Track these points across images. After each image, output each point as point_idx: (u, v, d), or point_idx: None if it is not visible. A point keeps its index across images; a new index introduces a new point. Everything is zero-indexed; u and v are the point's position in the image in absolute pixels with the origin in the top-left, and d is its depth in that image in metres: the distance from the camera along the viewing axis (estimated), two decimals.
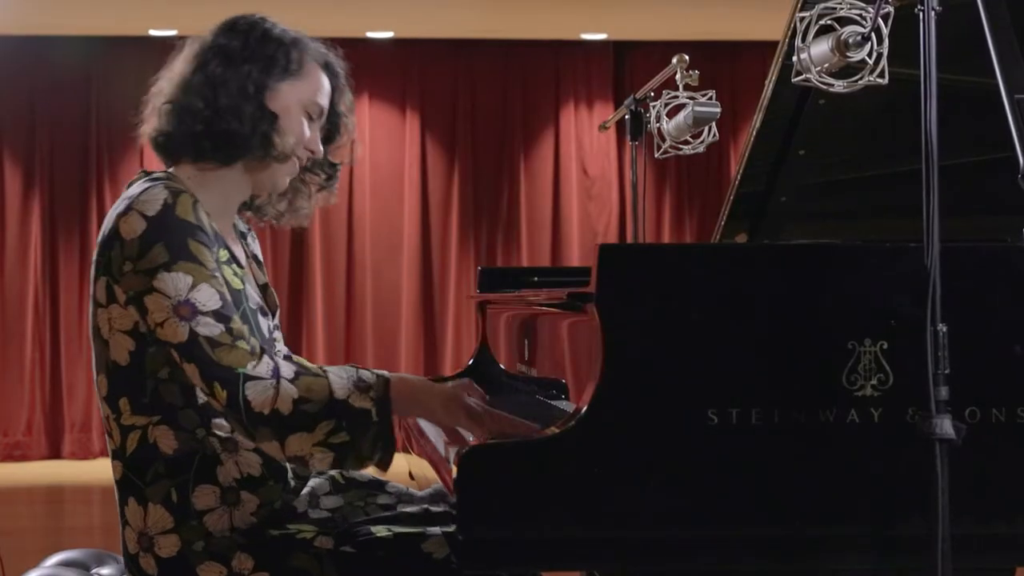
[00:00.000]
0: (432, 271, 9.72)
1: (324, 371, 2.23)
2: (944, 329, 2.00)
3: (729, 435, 2.14)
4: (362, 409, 2.19)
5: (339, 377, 2.21)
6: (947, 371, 2.00)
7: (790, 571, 2.21)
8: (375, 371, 2.26)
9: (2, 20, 8.78)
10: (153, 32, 9.06)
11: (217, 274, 2.23)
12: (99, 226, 8.74)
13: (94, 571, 2.75)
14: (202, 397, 2.25)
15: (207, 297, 2.20)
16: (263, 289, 2.50)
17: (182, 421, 2.28)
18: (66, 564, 2.76)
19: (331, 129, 2.51)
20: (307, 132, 2.42)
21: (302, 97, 2.40)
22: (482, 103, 9.79)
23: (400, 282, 9.64)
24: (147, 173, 2.38)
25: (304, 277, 9.59)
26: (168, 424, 2.28)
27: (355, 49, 9.91)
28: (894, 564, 2.19)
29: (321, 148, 2.47)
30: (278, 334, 2.49)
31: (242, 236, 2.54)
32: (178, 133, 2.36)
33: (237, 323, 2.21)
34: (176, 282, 2.19)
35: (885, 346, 2.17)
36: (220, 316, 2.20)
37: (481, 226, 9.75)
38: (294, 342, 9.53)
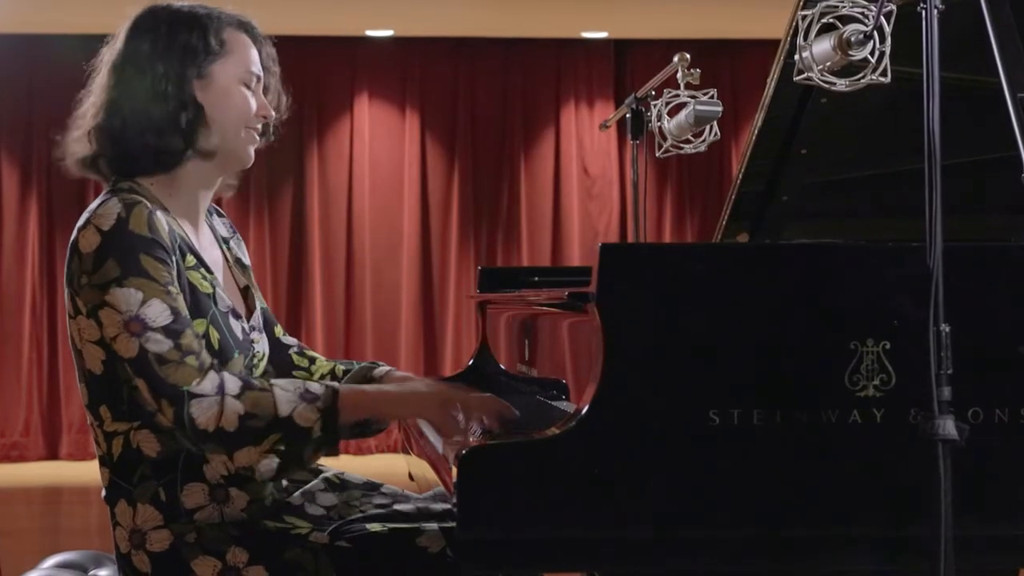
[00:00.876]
0: (432, 271, 9.72)
1: (271, 385, 2.24)
2: (947, 329, 2.00)
3: (730, 436, 2.14)
4: (304, 426, 2.22)
5: (285, 391, 2.23)
6: (950, 371, 2.00)
7: (792, 572, 2.21)
8: (324, 382, 2.29)
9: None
10: None
11: (171, 288, 2.23)
12: None
13: (92, 573, 2.75)
14: None
15: (157, 312, 2.21)
16: (244, 292, 2.50)
17: (161, 425, 2.28)
18: (64, 566, 2.76)
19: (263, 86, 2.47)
20: (252, 102, 2.40)
21: (235, 71, 2.37)
22: (482, 102, 9.78)
23: (400, 282, 9.64)
24: (114, 184, 2.36)
25: (303, 277, 9.58)
26: (149, 428, 2.29)
27: (354, 47, 9.98)
28: (896, 565, 2.19)
29: (272, 111, 2.45)
30: (257, 335, 2.48)
31: (224, 241, 2.54)
32: (102, 155, 2.35)
33: (188, 338, 2.22)
34: (128, 297, 2.20)
35: (887, 346, 2.16)
36: (169, 332, 2.20)
37: (481, 225, 9.75)
38: None
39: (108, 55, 2.40)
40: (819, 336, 2.18)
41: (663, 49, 9.03)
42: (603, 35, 9.67)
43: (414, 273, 9.66)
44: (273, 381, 2.27)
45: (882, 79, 2.21)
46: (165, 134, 2.31)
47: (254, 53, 2.42)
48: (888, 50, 2.20)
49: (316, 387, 2.25)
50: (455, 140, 9.76)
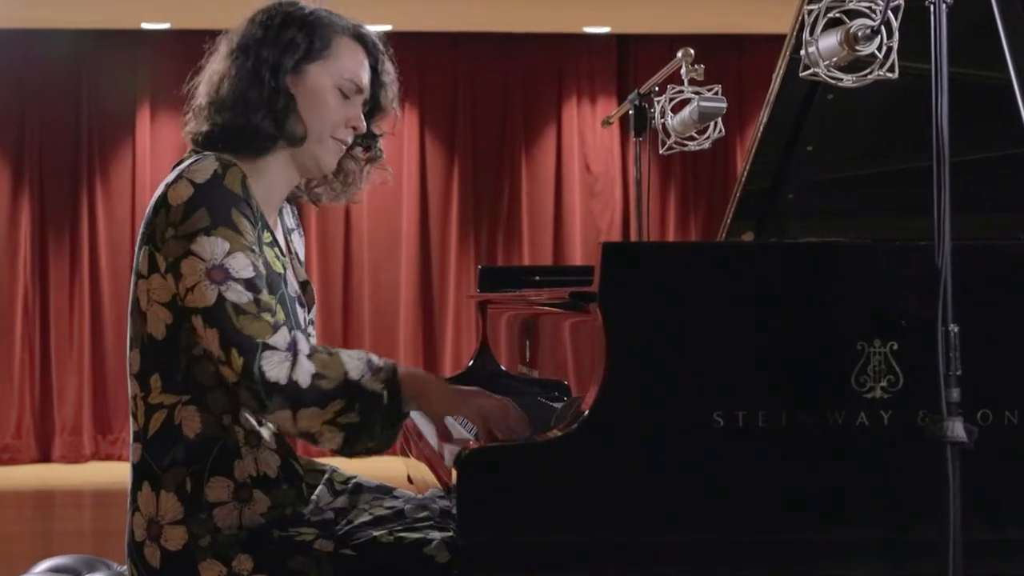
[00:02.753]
0: (431, 270, 9.72)
1: (337, 351, 2.29)
2: (955, 329, 2.00)
3: (735, 438, 2.14)
4: (374, 391, 2.25)
5: (352, 359, 2.27)
6: (958, 372, 2.00)
7: None
8: (384, 358, 2.32)
9: None
10: (145, 25, 9.06)
11: (255, 248, 2.29)
12: (91, 224, 8.71)
13: None
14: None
15: (241, 265, 2.25)
16: (303, 286, 2.53)
17: (210, 403, 2.32)
18: (56, 570, 2.76)
19: (373, 101, 2.54)
20: (344, 111, 2.45)
21: (333, 77, 2.43)
22: (482, 98, 9.78)
23: (398, 282, 9.64)
24: (197, 151, 2.42)
25: None
26: (196, 405, 2.32)
27: None
28: (904, 571, 2.19)
29: (364, 123, 2.49)
30: (312, 328, 2.53)
31: (289, 232, 2.57)
32: (209, 132, 2.41)
33: (266, 295, 2.27)
34: (213, 246, 2.25)
35: (895, 347, 2.17)
36: (251, 285, 2.25)
37: (481, 224, 9.75)
38: None
39: (223, 44, 2.47)
40: (825, 337, 2.18)
41: (667, 44, 9.03)
42: (605, 30, 9.67)
43: (413, 273, 9.67)
44: (337, 349, 2.31)
45: (889, 75, 2.21)
46: (257, 114, 2.38)
47: (361, 64, 2.48)
48: (896, 45, 2.20)
49: (377, 359, 2.30)
50: (454, 137, 9.76)
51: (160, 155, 9.26)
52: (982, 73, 2.62)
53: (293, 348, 2.24)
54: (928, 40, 2.06)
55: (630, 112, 4.02)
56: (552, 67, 9.82)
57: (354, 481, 2.63)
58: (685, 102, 3.66)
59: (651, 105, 3.90)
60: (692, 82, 3.66)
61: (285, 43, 2.41)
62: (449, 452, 2.45)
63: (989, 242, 2.29)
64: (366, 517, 2.48)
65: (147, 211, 2.35)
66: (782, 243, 3.05)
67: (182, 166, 2.36)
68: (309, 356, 2.25)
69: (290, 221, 2.59)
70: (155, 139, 9.33)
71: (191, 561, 2.29)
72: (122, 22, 9.11)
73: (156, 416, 2.33)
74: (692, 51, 3.69)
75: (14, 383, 9.30)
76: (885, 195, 3.22)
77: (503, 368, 3.38)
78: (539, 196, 9.78)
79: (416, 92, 9.69)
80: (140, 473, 2.35)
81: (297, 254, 2.58)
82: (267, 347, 2.23)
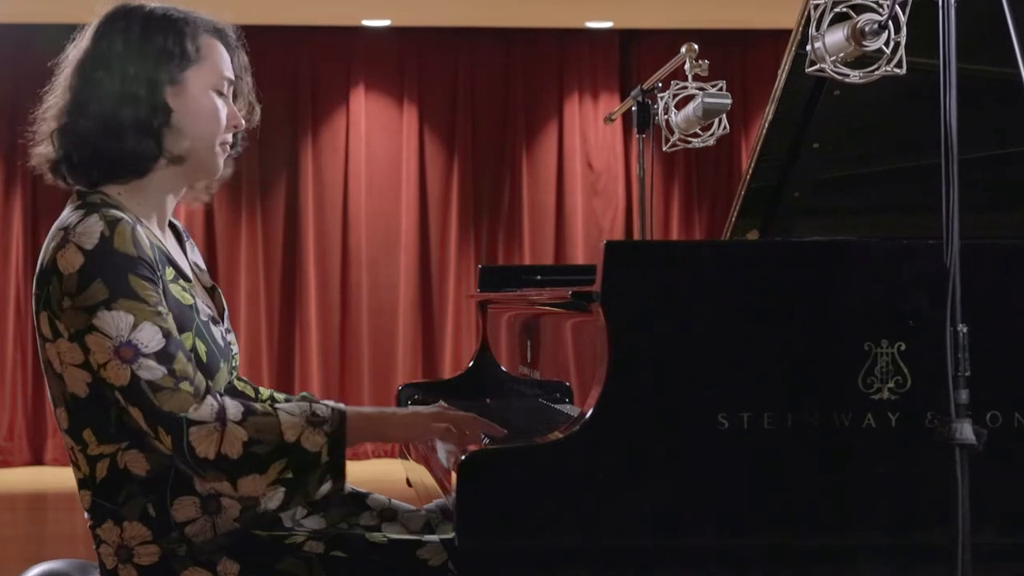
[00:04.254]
0: (431, 269, 9.72)
1: (275, 409, 2.23)
2: (964, 330, 2.00)
3: (740, 440, 2.14)
4: (313, 451, 2.20)
5: (290, 415, 2.22)
6: (967, 373, 2.00)
7: None
8: (331, 404, 2.27)
9: None
10: None
11: (161, 309, 2.21)
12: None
13: None
14: None
15: (149, 337, 2.18)
16: (211, 292, 2.48)
17: (151, 444, 2.25)
18: (49, 574, 2.76)
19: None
20: (223, 112, 2.37)
21: (209, 79, 2.35)
22: (483, 94, 9.78)
23: (397, 281, 9.64)
24: (80, 194, 2.33)
25: (297, 276, 9.58)
26: (138, 448, 2.26)
27: (351, 38, 9.97)
28: (912, 575, 2.19)
29: (242, 120, 2.42)
30: (231, 336, 2.47)
31: (183, 242, 2.50)
32: (73, 159, 2.32)
33: (181, 363, 2.20)
34: (117, 322, 2.17)
35: (903, 347, 2.17)
36: (162, 357, 2.18)
37: (482, 222, 9.75)
38: (287, 345, 9.54)
39: (74, 54, 2.37)
40: (832, 337, 2.18)
41: (670, 39, 9.02)
42: (608, 25, 9.67)
43: (412, 272, 9.66)
44: (277, 405, 2.26)
45: (897, 71, 2.21)
46: (137, 137, 2.28)
47: (228, 60, 2.40)
48: (903, 40, 2.20)
49: (322, 409, 2.24)
50: (455, 134, 9.76)
51: None
52: (991, 68, 2.62)
53: (221, 417, 2.18)
54: (936, 35, 2.06)
55: (633, 108, 4.02)
56: (554, 63, 9.82)
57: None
58: (689, 98, 3.66)
59: (654, 101, 3.90)
60: (696, 78, 3.66)
61: (155, 53, 2.31)
62: (450, 455, 2.45)
63: (999, 241, 2.29)
64: (359, 530, 2.48)
65: (37, 270, 2.26)
66: (788, 242, 3.04)
67: (65, 223, 2.25)
68: (241, 422, 2.19)
69: (181, 235, 2.52)
70: None
71: (171, 570, 2.27)
72: None
73: (100, 464, 2.29)
74: (696, 46, 3.69)
75: (6, 384, 9.30)
76: (892, 193, 3.22)
77: (503, 369, 3.38)
78: (540, 194, 9.78)
79: (416, 88, 9.70)
80: (98, 515, 2.31)
81: (196, 264, 2.50)
82: (192, 423, 2.17)
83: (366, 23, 9.51)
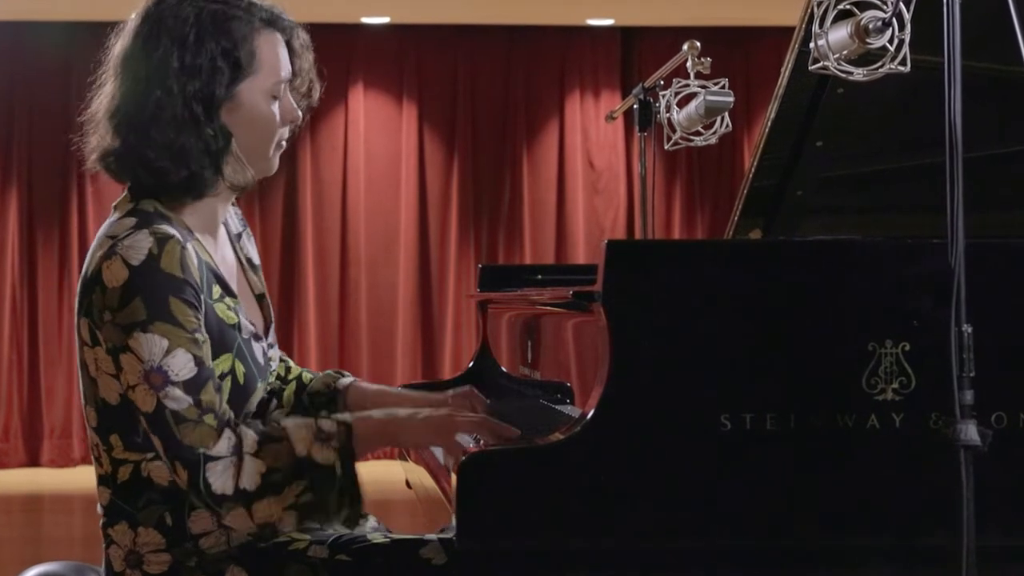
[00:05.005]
0: (430, 269, 9.72)
1: (284, 431, 2.23)
2: (969, 330, 2.00)
3: (743, 442, 2.14)
4: (326, 464, 2.21)
5: (299, 431, 2.22)
6: (972, 374, 2.00)
7: None
8: (335, 417, 2.28)
9: None
10: None
11: (198, 336, 2.20)
12: (80, 221, 8.70)
13: None
14: None
15: (180, 365, 2.18)
16: (259, 300, 2.49)
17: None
18: None
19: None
20: (278, 116, 2.34)
21: (263, 86, 2.32)
22: (483, 92, 9.78)
23: (396, 280, 9.64)
24: (133, 198, 2.30)
25: (295, 275, 9.59)
26: (162, 460, 2.26)
27: (349, 35, 9.96)
28: None
29: (299, 114, 2.39)
30: (273, 352, 2.48)
31: (236, 237, 2.51)
32: (138, 182, 2.29)
33: (209, 392, 2.19)
34: (151, 345, 2.17)
35: (907, 348, 2.16)
36: (190, 387, 2.18)
37: (482, 221, 9.75)
38: (285, 345, 9.52)
39: (124, 57, 2.33)
40: (835, 337, 2.18)
41: (672, 37, 9.01)
42: (609, 22, 9.67)
43: (411, 271, 9.66)
44: (283, 423, 2.25)
45: (901, 68, 2.21)
46: (197, 163, 2.26)
47: (284, 56, 2.35)
48: (908, 38, 2.20)
49: (327, 424, 2.24)
50: (454, 132, 9.76)
51: None
52: (996, 66, 2.62)
53: (238, 451, 2.18)
54: (940, 32, 2.06)
55: (634, 107, 4.02)
56: (555, 60, 9.82)
57: None
58: (691, 96, 3.66)
59: (656, 99, 3.90)
60: (698, 76, 3.66)
61: (208, 68, 2.25)
62: (450, 456, 2.45)
63: (1004, 240, 2.29)
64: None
65: (82, 276, 2.25)
66: (791, 241, 3.04)
67: (114, 232, 2.22)
68: (256, 453, 2.19)
69: (235, 224, 2.52)
70: None
71: None
72: (114, 14, 9.08)
73: (123, 468, 2.28)
74: (698, 44, 3.69)
75: (1, 385, 9.30)
76: (897, 192, 3.22)
77: (504, 370, 3.38)
78: (541, 193, 9.78)
79: (415, 86, 9.70)
80: (113, 513, 2.31)
81: (250, 259, 2.51)
82: (209, 459, 2.17)
83: (365, 20, 9.51)
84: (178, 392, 2.18)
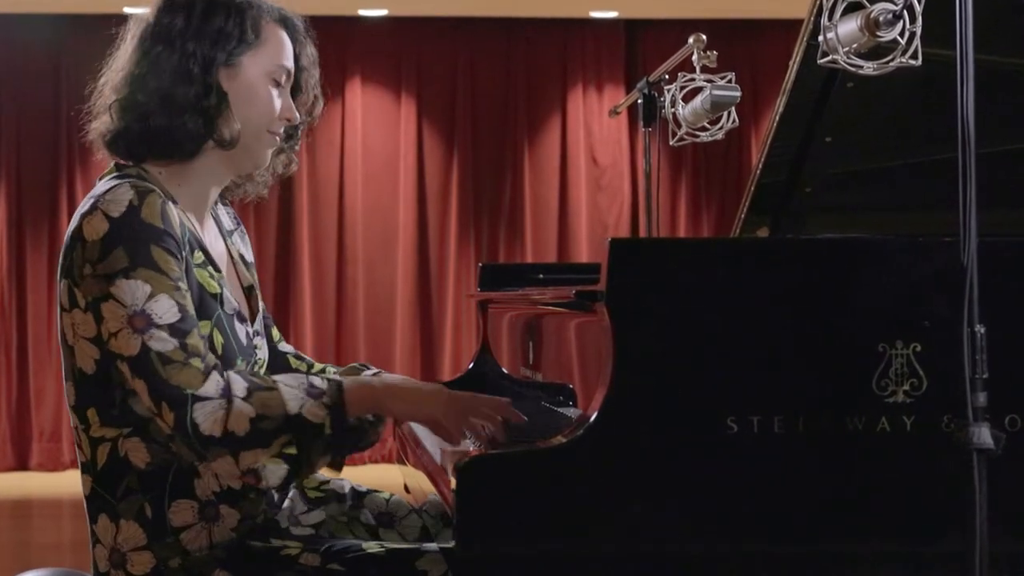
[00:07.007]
0: (429, 267, 9.72)
1: (275, 383, 2.24)
2: (982, 330, 2.00)
3: (749, 445, 2.14)
4: (316, 423, 2.21)
5: (290, 387, 2.23)
6: (985, 376, 2.00)
7: None
8: (327, 377, 2.29)
9: None
10: (128, 9, 9.02)
11: (181, 284, 2.24)
12: (70, 219, 8.67)
13: None
14: None
15: (164, 309, 2.21)
16: (247, 291, 2.50)
17: (154, 433, 2.28)
18: None
19: (294, 86, 2.50)
20: (277, 102, 2.41)
21: (266, 66, 2.40)
22: (483, 86, 9.78)
23: (395, 279, 9.64)
24: (119, 167, 2.38)
25: (291, 274, 9.59)
26: (139, 436, 2.29)
27: (347, 28, 9.97)
28: None
29: (297, 114, 2.46)
30: (259, 340, 2.50)
31: (228, 234, 2.54)
32: (125, 132, 2.36)
33: (194, 338, 2.22)
34: (134, 291, 2.20)
35: (918, 349, 2.17)
36: (175, 330, 2.21)
37: (482, 219, 9.75)
38: None
39: (135, 28, 2.41)
40: (845, 338, 2.18)
41: (677, 30, 9.03)
42: (613, 14, 9.67)
43: (410, 270, 9.67)
44: (276, 378, 2.27)
45: (912, 62, 2.21)
46: (186, 116, 2.32)
47: (289, 50, 2.44)
48: (919, 31, 2.20)
49: (319, 382, 2.25)
50: (454, 127, 9.76)
51: None
52: (1010, 60, 2.62)
53: (227, 394, 2.20)
54: (953, 25, 2.06)
55: (639, 101, 4.02)
56: (557, 54, 9.83)
57: (327, 487, 2.62)
58: (697, 90, 3.66)
59: (661, 94, 3.91)
60: (704, 69, 3.66)
61: (214, 33, 2.35)
62: (449, 460, 2.45)
63: (1018, 238, 2.29)
64: (347, 533, 2.48)
65: (65, 239, 2.31)
66: (799, 239, 3.04)
67: (96, 191, 2.30)
68: (246, 398, 2.20)
69: (228, 222, 2.57)
70: None
71: None
72: (104, 6, 9.10)
73: (101, 449, 2.31)
74: (704, 37, 3.69)
75: None
76: (908, 189, 3.22)
77: (505, 371, 3.38)
78: (543, 190, 9.78)
79: (414, 80, 9.70)
80: (95, 505, 2.33)
81: (242, 256, 2.55)
82: (198, 399, 2.18)
83: (363, 13, 9.51)
84: (163, 334, 2.20)
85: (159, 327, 2.20)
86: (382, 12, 9.56)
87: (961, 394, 2.00)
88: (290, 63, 2.43)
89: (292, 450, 2.20)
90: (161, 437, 2.28)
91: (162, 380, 2.19)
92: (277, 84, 2.41)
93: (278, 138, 2.44)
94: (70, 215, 9.21)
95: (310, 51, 2.50)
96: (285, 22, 2.45)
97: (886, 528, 2.17)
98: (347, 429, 2.24)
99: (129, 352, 2.21)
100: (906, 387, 2.16)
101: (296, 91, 2.49)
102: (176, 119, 2.32)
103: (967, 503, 1.97)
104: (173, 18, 2.36)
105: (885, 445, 2.16)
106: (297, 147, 2.55)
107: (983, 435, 1.98)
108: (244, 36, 2.37)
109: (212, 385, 2.20)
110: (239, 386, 2.21)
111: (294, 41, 2.46)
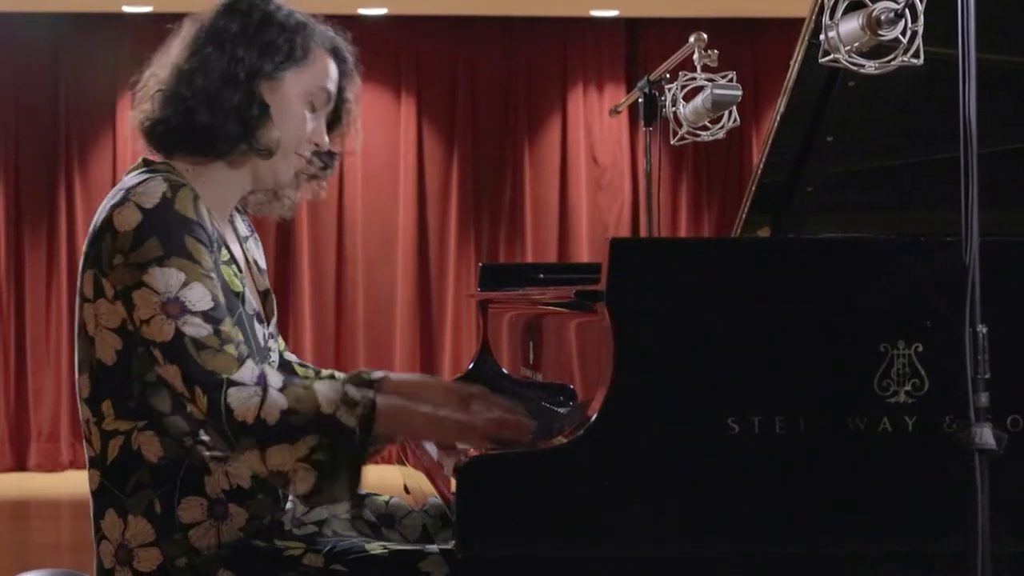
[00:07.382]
0: (429, 267, 9.72)
1: (311, 382, 2.25)
2: (984, 330, 2.00)
3: (751, 445, 2.14)
4: (348, 426, 2.20)
5: (327, 391, 2.22)
6: (987, 376, 2.00)
7: None
8: (363, 389, 2.26)
9: None
10: (127, 9, 9.06)
11: (212, 274, 2.26)
12: (68, 217, 8.70)
13: None
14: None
15: (198, 296, 2.22)
16: (263, 296, 2.51)
17: (169, 428, 2.29)
18: None
19: (334, 116, 2.53)
20: (309, 124, 2.45)
21: (307, 86, 2.43)
22: (483, 85, 9.79)
23: (394, 279, 9.64)
24: (147, 163, 2.40)
25: (291, 274, 9.59)
26: (154, 430, 2.29)
27: (346, 26, 9.91)
28: None
29: (327, 140, 2.50)
30: (273, 343, 2.51)
31: (244, 239, 2.55)
32: (165, 122, 2.39)
33: (227, 326, 2.23)
34: (168, 278, 2.21)
35: (920, 349, 2.17)
36: (209, 317, 2.21)
37: (482, 219, 9.76)
38: None
39: (190, 28, 2.44)
40: (846, 338, 2.18)
41: (678, 28, 9.03)
42: (614, 13, 9.67)
43: (410, 270, 9.67)
44: (314, 381, 2.29)
45: (914, 61, 2.21)
46: (227, 117, 2.35)
47: (334, 76, 2.49)
48: (921, 30, 2.20)
49: (355, 392, 2.24)
50: (454, 127, 9.76)
51: (142, 144, 9.25)
52: (1012, 59, 2.62)
53: (262, 382, 2.20)
54: (955, 24, 2.06)
55: (639, 100, 4.02)
56: (557, 53, 9.83)
57: None
58: (698, 90, 3.66)
59: (662, 93, 3.91)
60: (705, 68, 3.66)
61: (264, 44, 2.40)
62: (448, 461, 2.45)
63: (1020, 238, 2.29)
64: (351, 530, 2.48)
65: (91, 230, 2.32)
66: (800, 239, 3.04)
67: (127, 184, 2.32)
68: (281, 389, 2.20)
69: (243, 228, 2.58)
70: None
71: None
72: (102, 5, 9.11)
73: (112, 443, 2.31)
74: (705, 36, 3.70)
75: None
76: (910, 188, 3.22)
77: (505, 371, 3.38)
78: (543, 189, 9.78)
79: (414, 80, 9.70)
80: (102, 500, 2.33)
81: (256, 262, 2.56)
82: (232, 383, 2.18)
83: (362, 11, 9.51)
84: (197, 320, 2.21)
85: (193, 313, 2.21)
86: (382, 11, 9.56)
87: (963, 394, 2.00)
88: (332, 88, 2.48)
89: (320, 456, 2.18)
90: (176, 432, 2.28)
91: (196, 365, 2.20)
92: (313, 108, 2.45)
93: (303, 160, 2.46)
94: (68, 215, 9.31)
95: (356, 84, 2.56)
96: (336, 52, 2.51)
97: (888, 529, 2.17)
98: (370, 441, 2.22)
99: (162, 338, 2.21)
100: (908, 387, 2.17)
101: (335, 122, 2.53)
102: (217, 118, 2.35)
103: (969, 503, 1.98)
104: (228, 23, 2.40)
105: (887, 445, 2.16)
106: (329, 175, 2.57)
107: (985, 435, 1.98)
108: (293, 53, 2.41)
109: (247, 372, 2.20)
110: (275, 378, 2.22)
111: (342, 73, 2.51)
